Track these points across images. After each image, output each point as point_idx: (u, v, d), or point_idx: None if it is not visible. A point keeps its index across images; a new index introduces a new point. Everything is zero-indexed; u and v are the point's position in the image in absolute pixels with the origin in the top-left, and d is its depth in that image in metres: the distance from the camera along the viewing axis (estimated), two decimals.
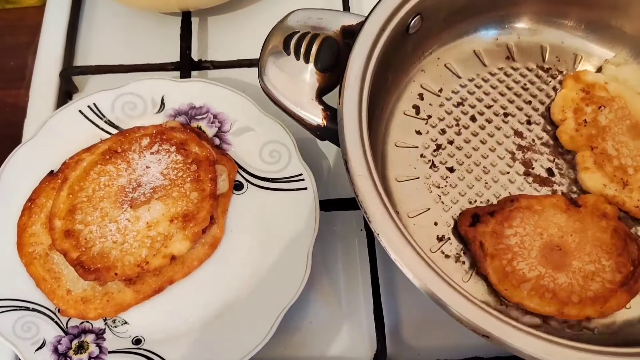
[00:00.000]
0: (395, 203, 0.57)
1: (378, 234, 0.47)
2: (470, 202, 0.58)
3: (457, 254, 0.56)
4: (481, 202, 0.58)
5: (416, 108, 0.62)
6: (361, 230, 0.64)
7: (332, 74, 0.54)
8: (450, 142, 0.61)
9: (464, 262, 0.55)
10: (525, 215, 0.55)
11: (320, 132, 0.54)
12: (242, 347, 0.52)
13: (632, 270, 0.53)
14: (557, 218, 0.55)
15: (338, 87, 0.52)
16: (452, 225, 0.57)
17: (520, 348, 0.44)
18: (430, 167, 0.59)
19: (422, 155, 0.60)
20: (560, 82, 0.64)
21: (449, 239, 0.56)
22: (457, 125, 0.62)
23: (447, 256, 0.56)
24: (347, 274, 0.62)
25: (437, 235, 0.56)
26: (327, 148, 0.68)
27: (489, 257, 0.53)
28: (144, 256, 0.52)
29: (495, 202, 0.58)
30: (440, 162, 0.60)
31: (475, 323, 0.44)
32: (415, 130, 0.61)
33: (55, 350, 0.52)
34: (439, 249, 0.56)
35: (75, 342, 0.52)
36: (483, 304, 0.45)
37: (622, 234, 0.54)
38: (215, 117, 0.61)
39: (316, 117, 0.53)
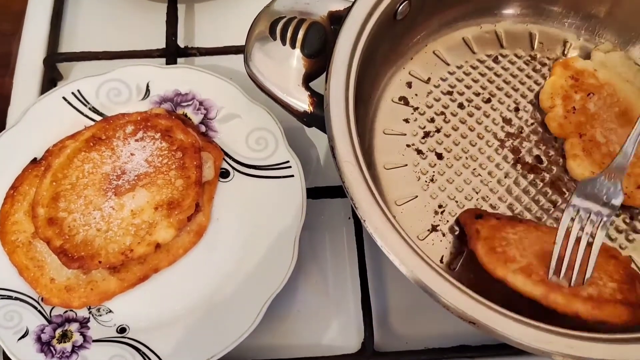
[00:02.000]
0: (382, 190, 0.57)
1: (364, 221, 0.46)
2: (457, 190, 0.57)
3: (445, 241, 0.55)
4: (468, 191, 0.57)
5: (404, 95, 0.62)
6: (349, 218, 0.63)
7: (318, 59, 0.54)
8: (439, 130, 0.60)
9: (451, 251, 0.55)
10: (530, 229, 0.53)
11: (307, 119, 0.53)
12: (229, 335, 0.51)
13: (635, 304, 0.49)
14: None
15: (325, 73, 0.52)
16: (440, 213, 0.56)
17: (507, 334, 0.43)
18: (418, 155, 0.59)
19: (410, 143, 0.60)
20: (549, 70, 0.64)
21: (437, 226, 0.56)
22: (446, 112, 0.61)
23: (434, 244, 0.55)
24: (334, 263, 0.61)
25: (425, 223, 0.56)
26: (316, 137, 0.68)
27: (482, 238, 0.51)
28: (128, 244, 0.51)
29: (481, 187, 0.58)
30: (428, 150, 0.59)
31: (462, 310, 0.44)
32: (403, 118, 0.61)
33: (39, 339, 0.51)
34: (426, 236, 0.56)
35: (58, 331, 0.52)
36: (469, 290, 0.45)
37: (631, 274, 0.52)
38: (201, 104, 0.60)
39: (303, 103, 0.53)
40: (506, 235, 0.52)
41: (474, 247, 0.51)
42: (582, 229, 0.48)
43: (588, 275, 0.48)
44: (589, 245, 0.47)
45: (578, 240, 0.48)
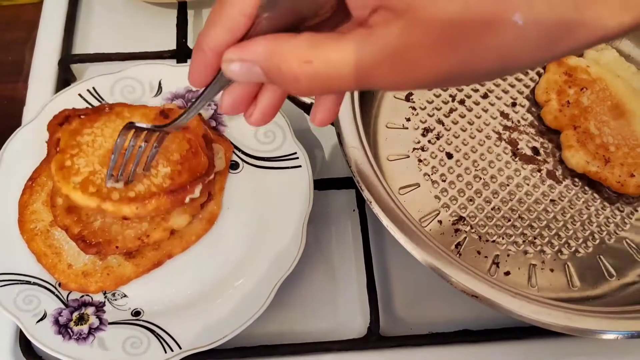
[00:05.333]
0: (386, 179, 0.59)
1: (371, 202, 0.49)
2: (458, 179, 0.60)
3: (447, 228, 0.58)
4: (469, 179, 0.60)
5: (406, 91, 0.65)
6: (354, 210, 0.65)
7: None
8: (439, 123, 0.63)
9: (452, 235, 0.57)
10: (111, 119, 0.56)
11: None
12: (238, 318, 0.53)
13: (188, 181, 0.54)
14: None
15: None
16: (442, 200, 0.59)
17: (508, 307, 0.46)
18: (420, 147, 0.62)
19: (412, 136, 0.62)
20: (544, 67, 0.67)
21: (439, 213, 0.58)
22: (445, 107, 0.64)
23: (437, 231, 0.57)
24: (340, 252, 0.63)
25: (427, 210, 0.58)
26: (321, 136, 0.70)
27: (59, 152, 0.53)
28: (144, 230, 0.54)
29: (481, 176, 0.60)
30: (429, 142, 0.62)
31: (465, 284, 0.46)
32: (405, 113, 0.64)
33: (56, 321, 0.53)
34: (429, 223, 0.58)
35: (75, 314, 0.53)
36: (473, 268, 0.47)
37: (194, 146, 0.56)
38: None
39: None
40: (81, 139, 0.55)
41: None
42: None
43: (137, 169, 0.52)
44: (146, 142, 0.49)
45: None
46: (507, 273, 0.56)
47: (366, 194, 0.49)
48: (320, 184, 0.63)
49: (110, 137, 0.55)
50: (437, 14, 0.26)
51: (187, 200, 0.54)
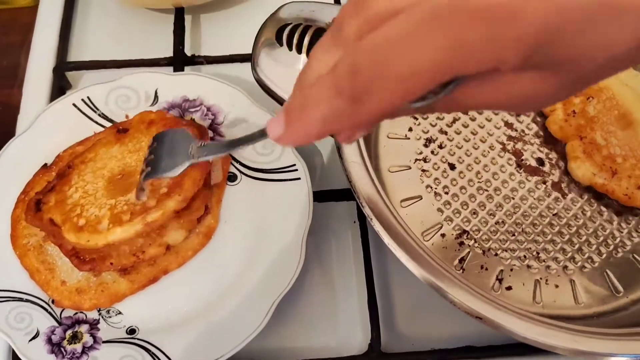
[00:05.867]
0: (387, 192, 0.58)
1: (371, 219, 0.47)
2: (461, 191, 0.58)
3: (450, 242, 0.56)
4: (472, 191, 0.58)
5: None
6: (354, 222, 0.64)
7: None
8: (442, 133, 0.62)
9: (456, 250, 0.56)
10: (81, 169, 0.55)
11: None
12: (238, 335, 0.52)
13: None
14: (111, 152, 0.56)
15: None
16: (444, 214, 0.57)
17: (513, 329, 0.44)
18: (422, 158, 0.60)
19: (414, 147, 0.61)
20: None
21: (441, 227, 0.57)
22: (448, 117, 0.62)
23: (439, 245, 0.56)
24: (340, 266, 0.62)
25: (430, 224, 0.57)
26: (320, 144, 0.69)
27: (61, 225, 0.52)
28: (139, 245, 0.52)
29: (485, 188, 0.59)
30: (432, 153, 0.60)
31: (468, 305, 0.45)
32: (407, 122, 0.62)
33: (49, 340, 0.51)
34: (431, 237, 0.56)
35: (69, 332, 0.52)
36: (476, 287, 0.46)
37: (171, 124, 0.56)
38: (208, 109, 0.62)
39: None
40: (72, 200, 0.53)
41: (59, 242, 0.52)
42: None
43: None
44: None
45: None
46: (511, 288, 0.54)
47: (367, 211, 0.47)
48: (320, 196, 0.62)
49: (92, 182, 0.54)
50: None
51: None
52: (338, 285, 0.61)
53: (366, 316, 0.58)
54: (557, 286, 0.55)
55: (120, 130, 0.57)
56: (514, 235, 0.57)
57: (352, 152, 0.51)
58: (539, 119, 0.63)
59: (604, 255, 0.56)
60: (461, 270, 0.55)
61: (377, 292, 0.59)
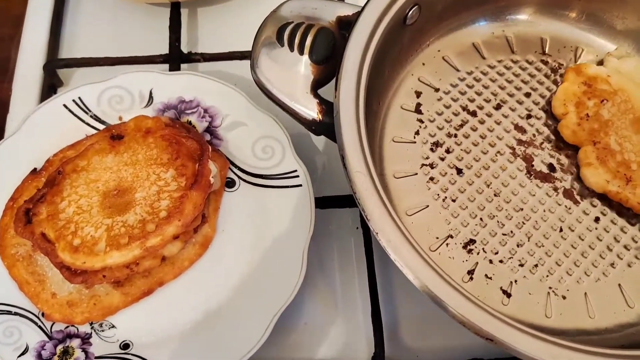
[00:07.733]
0: (393, 200, 0.55)
1: (377, 233, 0.45)
2: (469, 199, 0.56)
3: (457, 252, 0.54)
4: (481, 200, 0.56)
5: (414, 102, 0.61)
6: (357, 228, 0.62)
7: (327, 66, 0.52)
8: (449, 137, 0.59)
9: (465, 261, 0.54)
10: (74, 179, 0.52)
11: (316, 127, 0.52)
12: (236, 350, 0.50)
13: (195, 165, 0.52)
14: (105, 162, 0.53)
15: (334, 79, 0.50)
16: (452, 223, 0.55)
17: (525, 351, 0.42)
18: (429, 164, 0.58)
19: (420, 152, 0.58)
20: (562, 75, 0.62)
21: (449, 236, 0.55)
22: (456, 120, 0.60)
23: (446, 255, 0.54)
24: (343, 274, 0.60)
25: (437, 233, 0.55)
26: (322, 143, 0.67)
27: (55, 242, 0.49)
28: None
29: (494, 196, 0.56)
30: (439, 158, 0.58)
31: (479, 325, 0.42)
32: (413, 126, 0.59)
33: (39, 356, 0.49)
34: (438, 247, 0.54)
35: (59, 348, 0.50)
36: (485, 305, 0.44)
37: (171, 139, 0.53)
38: (205, 111, 0.59)
39: (311, 111, 0.51)
40: (66, 216, 0.51)
41: (54, 260, 0.50)
42: None
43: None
44: None
45: None
46: (521, 302, 0.52)
47: (372, 225, 0.45)
48: (323, 202, 0.60)
49: (86, 196, 0.51)
50: None
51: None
52: (340, 295, 0.59)
53: (369, 326, 0.56)
54: (568, 299, 0.53)
55: (115, 137, 0.54)
56: (523, 245, 0.54)
57: (356, 161, 0.48)
58: (550, 122, 0.60)
59: (617, 267, 0.54)
60: (469, 281, 0.53)
61: (380, 301, 0.57)
